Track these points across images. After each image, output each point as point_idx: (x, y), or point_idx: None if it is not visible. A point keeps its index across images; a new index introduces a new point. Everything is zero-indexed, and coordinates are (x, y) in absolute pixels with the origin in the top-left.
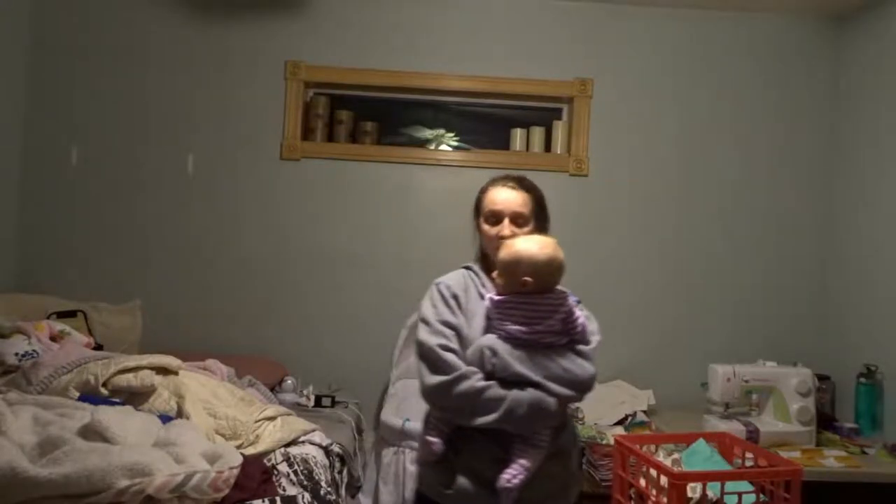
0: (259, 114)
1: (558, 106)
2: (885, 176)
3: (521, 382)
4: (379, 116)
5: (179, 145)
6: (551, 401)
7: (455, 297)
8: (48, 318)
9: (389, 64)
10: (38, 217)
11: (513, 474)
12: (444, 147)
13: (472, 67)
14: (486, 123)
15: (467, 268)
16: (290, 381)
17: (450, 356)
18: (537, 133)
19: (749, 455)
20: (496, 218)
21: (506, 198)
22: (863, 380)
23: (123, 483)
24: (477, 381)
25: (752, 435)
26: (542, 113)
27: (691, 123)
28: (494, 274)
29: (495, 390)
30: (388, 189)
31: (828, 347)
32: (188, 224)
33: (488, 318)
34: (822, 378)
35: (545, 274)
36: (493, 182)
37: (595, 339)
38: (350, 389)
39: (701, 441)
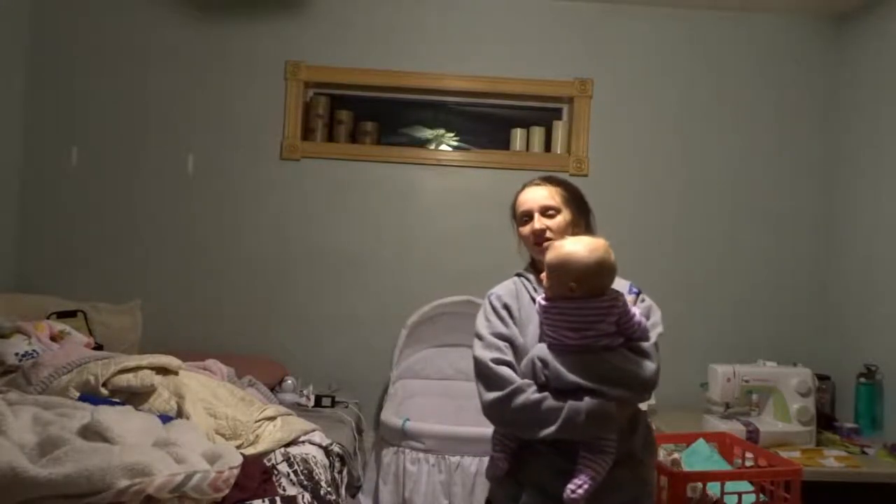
0: (259, 114)
1: (558, 106)
2: (884, 176)
3: (577, 390)
4: (379, 116)
5: (179, 145)
6: (610, 405)
7: (506, 306)
8: (48, 318)
9: (389, 64)
10: (38, 217)
11: (578, 485)
12: (444, 147)
13: (472, 67)
14: (486, 123)
15: (519, 275)
16: (290, 381)
17: (503, 370)
18: (537, 133)
19: (749, 455)
20: (528, 217)
21: (531, 196)
22: (863, 380)
23: (123, 483)
24: (532, 393)
25: (752, 435)
26: (542, 113)
27: (691, 123)
28: (542, 275)
29: (551, 402)
30: (388, 189)
31: (828, 347)
32: (188, 224)
33: (541, 324)
34: (822, 378)
35: (593, 279)
36: (522, 186)
37: (655, 332)
38: (350, 389)
39: (701, 441)
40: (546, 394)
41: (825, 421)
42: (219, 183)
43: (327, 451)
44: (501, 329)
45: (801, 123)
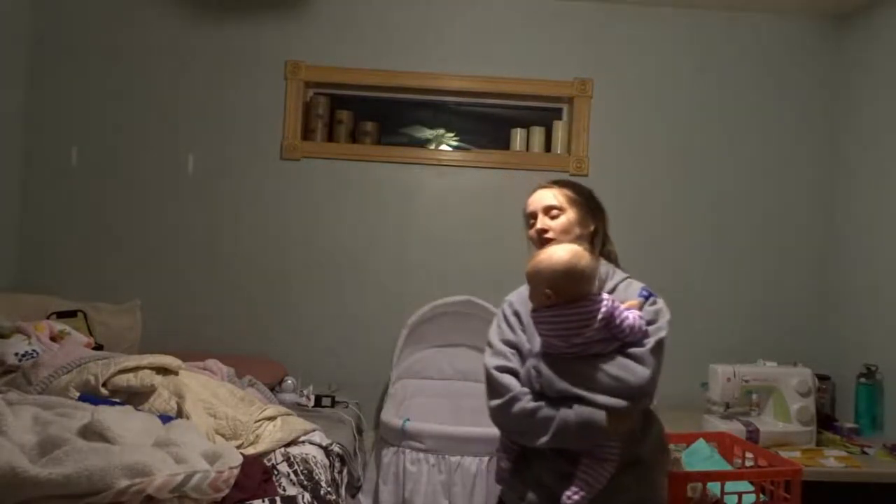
0: (259, 114)
1: (558, 106)
2: (885, 176)
3: (568, 398)
4: (379, 116)
5: (179, 145)
6: (600, 415)
7: (516, 313)
8: (48, 318)
9: (389, 64)
10: (38, 217)
11: (574, 491)
12: (444, 147)
13: (472, 67)
14: (486, 123)
15: None
16: (290, 381)
17: (505, 378)
18: (537, 133)
19: (749, 455)
20: (533, 218)
21: (537, 197)
22: (863, 380)
23: (123, 483)
24: (528, 402)
25: (752, 435)
26: (542, 113)
27: (691, 123)
28: None
29: (545, 410)
30: (388, 189)
31: (828, 347)
32: (188, 224)
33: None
34: (822, 378)
35: (566, 285)
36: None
37: (654, 338)
38: (350, 389)
39: (701, 441)
40: (541, 403)
41: (825, 421)
42: (219, 183)
43: (327, 451)
44: (509, 336)
45: (801, 123)
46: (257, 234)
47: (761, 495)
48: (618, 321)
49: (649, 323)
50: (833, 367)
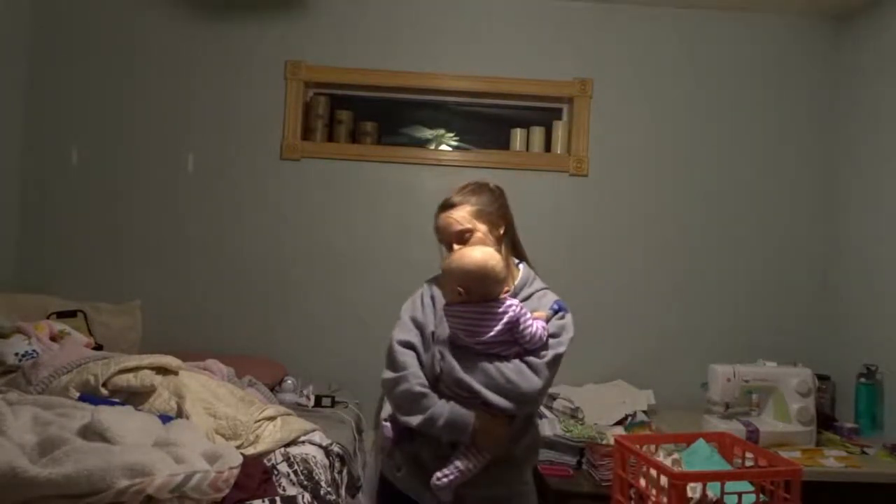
0: (259, 114)
1: (558, 106)
2: (885, 176)
3: (461, 388)
4: (379, 116)
5: (179, 145)
6: (469, 419)
7: (432, 297)
8: (48, 318)
9: (389, 64)
10: (38, 217)
11: (445, 474)
12: (444, 147)
13: (472, 67)
14: (486, 123)
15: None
16: (290, 381)
17: (402, 353)
18: (537, 133)
19: (749, 455)
20: (449, 248)
21: (444, 226)
22: (863, 380)
23: (123, 483)
24: (416, 385)
25: (752, 435)
26: (542, 113)
27: (691, 123)
28: None
29: (428, 399)
30: (388, 189)
31: (828, 347)
32: (188, 224)
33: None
34: (822, 378)
35: (475, 284)
36: (438, 208)
37: (553, 351)
38: (350, 389)
39: (701, 441)
40: (427, 391)
41: (825, 421)
42: (219, 183)
43: (327, 451)
44: (418, 315)
45: (801, 123)
46: (257, 233)
47: (761, 495)
48: (521, 327)
49: (553, 336)
50: (833, 367)
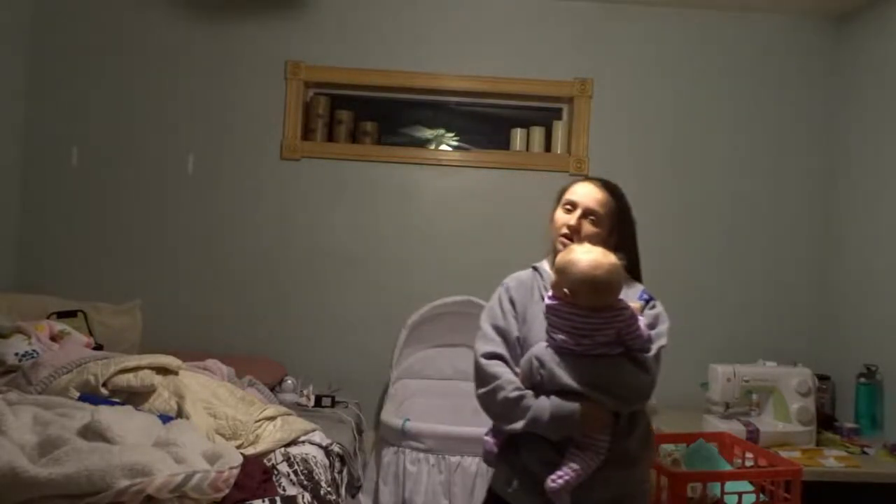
0: (259, 114)
1: (558, 106)
2: (884, 176)
3: (569, 393)
4: (379, 116)
5: (179, 145)
6: (574, 408)
7: (511, 300)
8: (48, 318)
9: (389, 64)
10: (38, 217)
11: (559, 475)
12: (444, 147)
13: (472, 67)
14: (486, 123)
15: (535, 268)
16: (290, 381)
17: (490, 365)
18: (537, 133)
19: (749, 455)
20: (571, 206)
21: (586, 192)
22: (863, 380)
23: (123, 483)
24: (511, 391)
25: (752, 435)
26: (542, 113)
27: (691, 123)
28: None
29: (527, 400)
30: (388, 189)
31: (828, 347)
32: (188, 224)
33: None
34: (822, 378)
35: (583, 292)
36: (581, 179)
37: (657, 345)
38: (350, 389)
39: (701, 441)
40: (525, 392)
41: (825, 421)
42: (219, 183)
43: (327, 451)
44: (500, 322)
45: (801, 123)
46: (257, 234)
47: (761, 495)
48: (632, 330)
49: (649, 326)
50: (833, 367)
